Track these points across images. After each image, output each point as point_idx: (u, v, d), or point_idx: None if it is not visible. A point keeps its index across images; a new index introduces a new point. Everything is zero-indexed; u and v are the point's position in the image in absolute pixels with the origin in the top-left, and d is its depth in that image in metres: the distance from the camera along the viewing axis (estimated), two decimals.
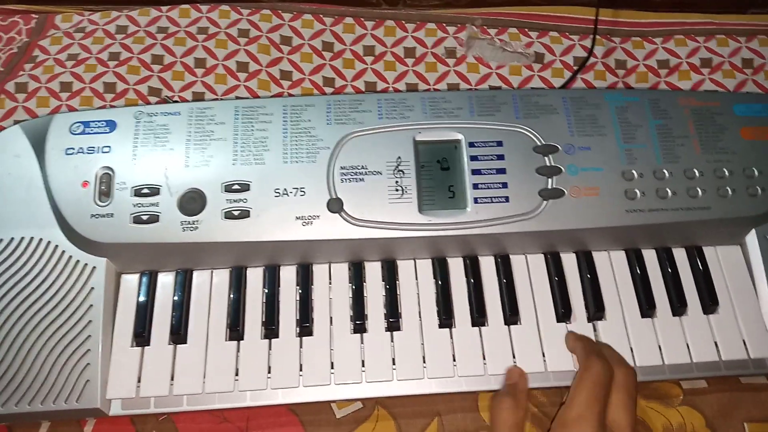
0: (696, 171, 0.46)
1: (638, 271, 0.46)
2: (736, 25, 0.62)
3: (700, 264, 0.46)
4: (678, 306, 0.45)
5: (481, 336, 0.43)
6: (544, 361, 0.43)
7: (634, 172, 0.45)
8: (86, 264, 0.43)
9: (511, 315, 0.44)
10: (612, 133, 0.46)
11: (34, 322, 0.41)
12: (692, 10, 0.64)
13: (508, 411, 0.39)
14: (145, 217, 0.43)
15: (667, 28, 0.62)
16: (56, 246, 0.43)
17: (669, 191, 0.45)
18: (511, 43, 0.61)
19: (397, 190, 0.44)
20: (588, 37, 0.61)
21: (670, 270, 0.46)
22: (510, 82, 0.59)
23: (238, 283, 0.44)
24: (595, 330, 0.44)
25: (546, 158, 0.45)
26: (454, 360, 0.42)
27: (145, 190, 0.43)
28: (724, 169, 0.46)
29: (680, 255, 0.47)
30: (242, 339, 0.43)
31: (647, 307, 0.44)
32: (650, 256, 0.47)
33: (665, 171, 0.45)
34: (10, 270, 0.43)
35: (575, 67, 0.60)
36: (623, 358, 0.42)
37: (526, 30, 0.62)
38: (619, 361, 0.41)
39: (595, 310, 0.44)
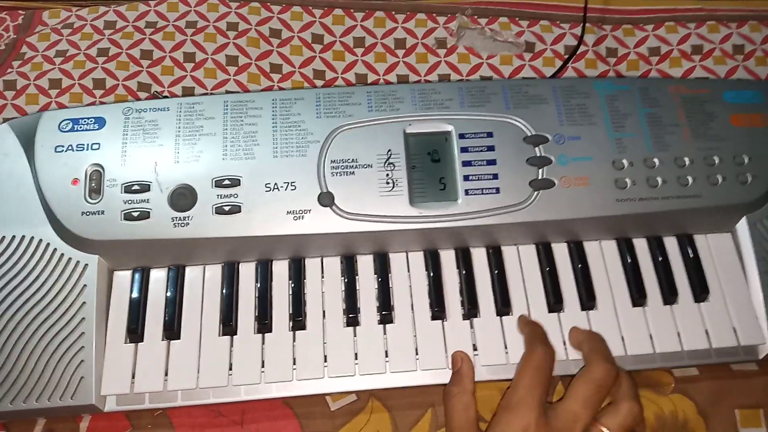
0: (686, 159, 0.46)
1: (629, 260, 0.46)
2: (727, 11, 0.62)
3: (690, 252, 0.46)
4: (669, 294, 0.45)
5: (473, 327, 0.43)
6: None
7: (624, 161, 0.45)
8: (78, 261, 0.43)
9: (503, 306, 0.44)
10: (602, 122, 0.46)
11: (27, 320, 0.42)
12: None
13: (456, 397, 0.39)
14: (135, 214, 0.43)
15: (657, 15, 0.62)
16: (48, 244, 0.43)
17: (659, 180, 0.45)
18: (502, 33, 0.60)
19: (387, 183, 0.44)
20: (578, 25, 0.60)
21: (660, 259, 0.46)
22: (501, 71, 0.59)
23: (230, 279, 0.44)
24: (587, 320, 0.44)
25: (536, 149, 0.45)
26: (447, 351, 0.43)
27: (136, 187, 0.43)
28: (715, 157, 0.46)
29: (671, 243, 0.47)
30: (235, 334, 0.43)
31: (638, 296, 0.45)
32: (641, 245, 0.47)
33: (655, 159, 0.45)
34: (2, 269, 0.43)
35: (566, 56, 0.59)
36: (609, 355, 0.41)
37: (517, 19, 0.61)
38: (602, 357, 0.40)
39: (587, 299, 0.44)
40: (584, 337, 0.42)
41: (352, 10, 0.62)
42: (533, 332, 0.42)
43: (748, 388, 0.45)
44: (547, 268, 0.45)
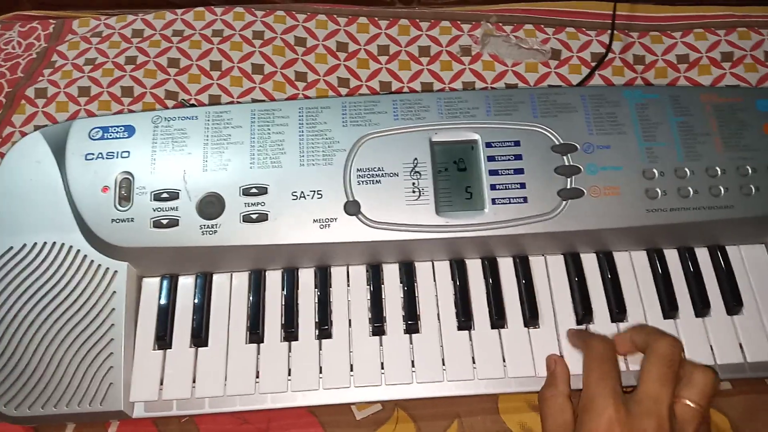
0: (718, 169, 0.45)
1: (660, 271, 0.45)
2: (758, 17, 0.61)
3: (723, 264, 0.45)
4: (701, 307, 0.44)
5: (500, 338, 0.43)
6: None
7: (655, 170, 0.45)
8: (108, 268, 0.43)
9: (531, 317, 0.43)
10: (632, 131, 0.46)
11: (57, 326, 0.42)
12: (712, 2, 0.63)
13: (550, 399, 0.38)
14: (165, 222, 0.43)
15: (686, 22, 0.61)
16: (78, 250, 0.44)
17: (691, 190, 0.44)
18: (527, 40, 0.60)
19: (414, 191, 0.44)
20: (605, 32, 0.60)
21: (692, 270, 0.45)
22: (526, 79, 0.59)
23: (257, 286, 0.45)
24: (618, 332, 0.43)
25: (565, 157, 0.45)
26: (474, 362, 0.42)
27: (165, 195, 0.44)
28: (748, 167, 0.45)
29: (703, 255, 0.46)
30: (262, 342, 0.43)
31: (669, 309, 0.44)
32: (672, 256, 0.46)
33: (687, 169, 0.45)
34: (34, 275, 0.43)
35: (592, 63, 0.59)
36: (662, 331, 0.40)
37: (542, 26, 0.61)
38: (660, 334, 0.39)
39: (617, 311, 0.44)
40: (632, 333, 0.41)
41: (376, 18, 0.62)
42: (582, 333, 0.41)
43: None
44: (576, 279, 0.45)
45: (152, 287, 0.45)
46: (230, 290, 0.45)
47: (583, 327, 0.43)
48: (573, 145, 0.45)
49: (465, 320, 0.43)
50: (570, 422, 0.37)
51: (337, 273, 0.45)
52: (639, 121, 0.46)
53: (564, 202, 0.44)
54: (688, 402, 0.36)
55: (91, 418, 0.43)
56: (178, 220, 0.43)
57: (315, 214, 0.43)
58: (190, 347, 0.43)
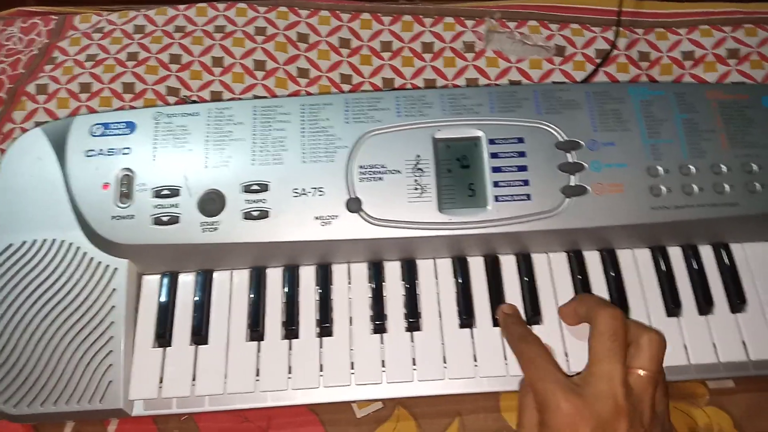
0: (723, 166, 0.44)
1: (663, 269, 0.45)
2: (764, 14, 0.60)
3: (727, 261, 0.45)
4: (704, 305, 0.44)
5: (502, 336, 0.43)
6: (567, 361, 0.42)
7: (659, 168, 0.44)
8: (108, 265, 0.43)
9: (533, 315, 0.43)
10: (636, 128, 0.45)
11: (57, 323, 0.42)
12: None
13: (529, 396, 0.38)
14: (165, 219, 0.43)
15: (691, 18, 0.61)
16: (78, 248, 0.43)
17: (695, 187, 0.44)
18: (531, 36, 0.60)
19: (416, 188, 0.44)
20: (609, 29, 0.59)
21: (696, 268, 0.45)
22: (530, 76, 0.58)
23: (257, 284, 0.44)
24: None
25: (568, 154, 0.44)
26: (475, 360, 0.42)
27: (165, 192, 0.44)
28: (753, 164, 0.45)
29: (707, 252, 0.46)
30: (263, 339, 0.43)
31: (673, 306, 0.44)
32: (676, 254, 0.45)
33: (691, 167, 0.44)
34: (33, 272, 0.43)
35: (597, 60, 0.58)
36: (605, 302, 0.38)
37: (547, 23, 0.61)
38: (600, 307, 0.37)
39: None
40: (575, 304, 0.40)
41: (379, 14, 0.61)
42: (507, 327, 0.41)
43: None
44: (579, 277, 0.44)
45: (152, 284, 0.45)
46: (231, 288, 0.45)
47: (586, 325, 0.43)
48: (577, 142, 0.45)
49: (467, 318, 0.43)
50: None
51: (339, 270, 0.45)
52: (644, 118, 0.45)
53: (567, 200, 0.43)
54: (640, 371, 0.35)
55: (91, 416, 0.43)
56: (178, 217, 0.43)
57: (316, 211, 0.43)
58: (190, 345, 0.43)
